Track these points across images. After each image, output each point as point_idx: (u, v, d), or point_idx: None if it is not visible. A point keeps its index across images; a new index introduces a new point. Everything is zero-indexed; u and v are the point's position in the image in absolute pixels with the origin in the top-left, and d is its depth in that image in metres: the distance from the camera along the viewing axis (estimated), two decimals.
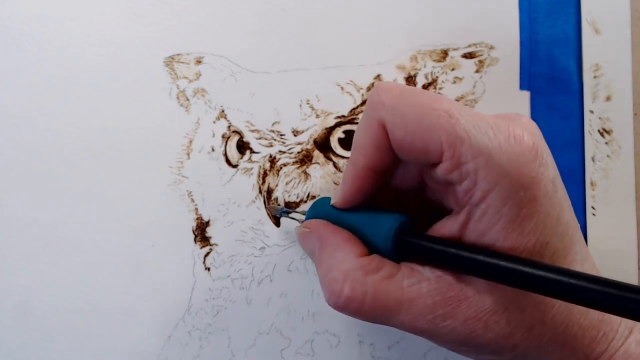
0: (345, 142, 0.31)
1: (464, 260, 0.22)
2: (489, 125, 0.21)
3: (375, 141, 0.23)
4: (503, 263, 0.21)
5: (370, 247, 0.25)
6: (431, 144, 0.22)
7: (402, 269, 0.23)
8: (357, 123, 0.31)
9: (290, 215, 0.30)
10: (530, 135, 0.22)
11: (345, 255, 0.24)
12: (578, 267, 0.23)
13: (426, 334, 0.23)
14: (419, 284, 0.22)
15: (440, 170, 0.22)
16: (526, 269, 0.20)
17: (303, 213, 0.29)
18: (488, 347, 0.22)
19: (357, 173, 0.24)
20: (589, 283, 0.19)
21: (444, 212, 0.24)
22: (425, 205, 0.26)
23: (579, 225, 0.24)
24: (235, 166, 0.31)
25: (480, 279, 0.22)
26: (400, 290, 0.23)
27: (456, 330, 0.22)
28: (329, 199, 0.27)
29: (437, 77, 0.31)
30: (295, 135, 0.31)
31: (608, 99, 0.32)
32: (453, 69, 0.31)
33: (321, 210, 0.27)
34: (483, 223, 0.21)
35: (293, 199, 0.31)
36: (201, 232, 0.31)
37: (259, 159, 0.31)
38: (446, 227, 0.23)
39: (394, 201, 0.27)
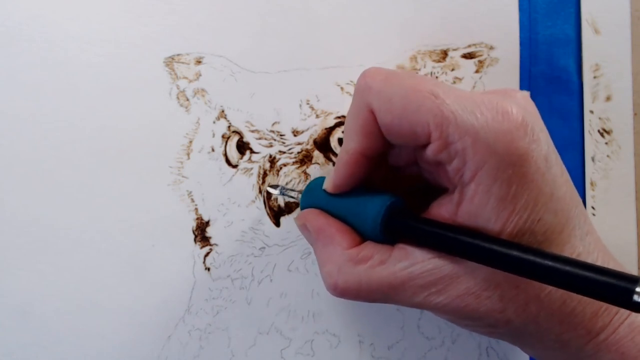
0: None
1: (448, 242, 0.22)
2: (475, 104, 0.21)
3: (365, 127, 0.24)
4: (485, 245, 0.21)
5: (363, 234, 0.25)
6: (418, 126, 0.22)
7: (394, 253, 0.24)
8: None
9: (288, 194, 0.30)
10: (520, 110, 0.21)
11: (335, 249, 0.25)
12: (577, 243, 0.22)
13: (423, 308, 0.23)
14: (412, 267, 0.23)
15: (430, 151, 0.22)
16: (505, 251, 0.20)
17: (300, 192, 0.29)
18: (482, 320, 0.22)
19: (349, 159, 0.24)
20: (570, 267, 0.19)
21: (441, 188, 0.24)
22: (423, 181, 0.26)
23: (580, 199, 0.23)
24: (235, 166, 0.31)
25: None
26: (393, 275, 0.23)
27: (450, 305, 0.22)
28: (322, 180, 0.27)
29: (437, 77, 0.31)
30: (295, 136, 0.31)
31: (608, 99, 0.32)
32: (453, 69, 0.31)
33: (315, 194, 0.27)
34: (475, 202, 0.22)
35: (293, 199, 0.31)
36: (201, 232, 0.31)
37: (259, 159, 0.31)
38: (442, 206, 0.23)
39: (393, 178, 0.27)
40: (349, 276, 0.24)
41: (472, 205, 0.22)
